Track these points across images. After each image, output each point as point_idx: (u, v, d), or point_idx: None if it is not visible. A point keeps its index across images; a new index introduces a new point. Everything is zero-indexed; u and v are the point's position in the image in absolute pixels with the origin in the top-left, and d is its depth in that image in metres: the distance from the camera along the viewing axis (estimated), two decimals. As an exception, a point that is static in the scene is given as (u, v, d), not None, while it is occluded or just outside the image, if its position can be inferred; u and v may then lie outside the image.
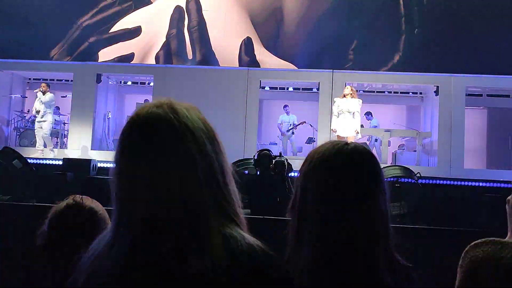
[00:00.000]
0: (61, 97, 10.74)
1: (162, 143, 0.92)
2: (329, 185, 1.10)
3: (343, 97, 8.27)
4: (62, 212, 1.53)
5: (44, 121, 9.30)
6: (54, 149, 9.57)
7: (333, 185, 1.10)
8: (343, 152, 1.14)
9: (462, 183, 6.81)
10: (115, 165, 0.96)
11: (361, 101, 8.39)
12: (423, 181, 6.49)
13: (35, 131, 9.49)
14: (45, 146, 9.37)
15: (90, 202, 1.57)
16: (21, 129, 10.70)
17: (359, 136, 8.40)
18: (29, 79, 11.62)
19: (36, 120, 9.49)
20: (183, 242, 0.89)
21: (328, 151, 1.14)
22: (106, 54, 11.05)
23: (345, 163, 1.12)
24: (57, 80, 11.36)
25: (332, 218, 1.08)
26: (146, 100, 10.80)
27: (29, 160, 6.81)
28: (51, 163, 7.85)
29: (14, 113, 11.02)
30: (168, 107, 0.95)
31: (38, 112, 9.30)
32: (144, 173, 0.92)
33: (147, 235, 0.90)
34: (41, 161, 8.06)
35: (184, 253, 0.88)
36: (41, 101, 9.27)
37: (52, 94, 9.44)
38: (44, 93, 9.31)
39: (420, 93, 11.17)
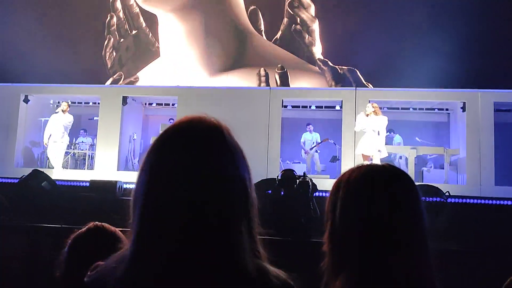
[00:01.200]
0: (88, 119, 10.98)
1: (206, 149, 0.93)
2: (373, 213, 1.03)
3: (366, 116, 8.18)
4: (82, 238, 1.51)
5: (60, 142, 9.43)
6: (80, 170, 9.72)
7: (376, 213, 1.03)
8: (380, 175, 1.09)
9: (493, 201, 6.60)
10: (149, 168, 0.92)
11: (386, 118, 8.26)
12: (452, 200, 6.32)
13: (49, 152, 9.56)
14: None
15: (111, 228, 1.55)
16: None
17: (385, 154, 8.25)
18: (58, 102, 11.95)
19: (52, 140, 9.51)
20: (217, 262, 0.85)
21: (365, 176, 1.08)
22: (143, 76, 11.55)
23: (387, 192, 1.05)
24: (84, 103, 11.66)
25: (377, 249, 1.01)
26: (171, 119, 10.95)
27: (57, 182, 6.96)
28: (78, 184, 7.99)
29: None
30: (215, 120, 0.97)
31: (51, 136, 9.40)
32: (182, 178, 0.90)
33: (179, 253, 0.86)
34: (69, 183, 8.21)
35: (220, 274, 0.85)
36: (60, 122, 9.41)
37: (71, 116, 9.61)
38: (64, 112, 9.51)
39: (447, 109, 10.96)
